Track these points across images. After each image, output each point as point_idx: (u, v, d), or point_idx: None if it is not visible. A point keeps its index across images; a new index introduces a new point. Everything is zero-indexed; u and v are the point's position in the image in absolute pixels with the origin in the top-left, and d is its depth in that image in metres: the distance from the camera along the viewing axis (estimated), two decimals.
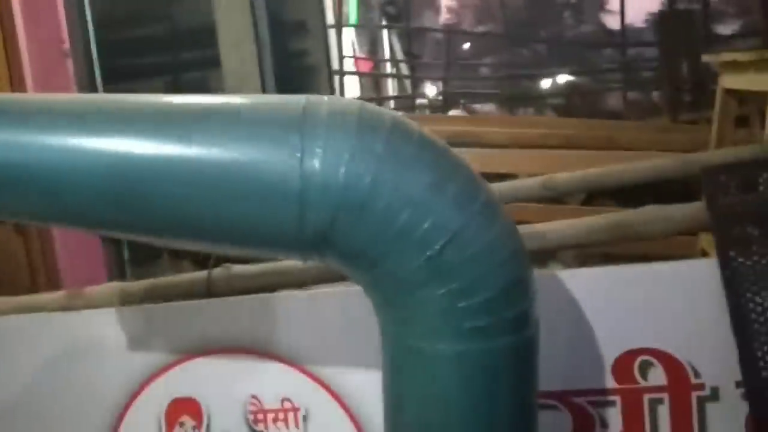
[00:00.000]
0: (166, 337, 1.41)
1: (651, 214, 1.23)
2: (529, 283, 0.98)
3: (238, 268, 1.42)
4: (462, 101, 8.38)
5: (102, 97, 1.05)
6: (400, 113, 0.99)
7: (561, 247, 1.29)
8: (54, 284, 2.17)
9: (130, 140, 0.90)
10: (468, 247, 0.91)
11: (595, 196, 3.14)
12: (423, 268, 0.91)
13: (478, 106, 8.99)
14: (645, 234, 1.23)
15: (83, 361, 1.43)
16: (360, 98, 7.05)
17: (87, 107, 0.95)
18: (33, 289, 2.11)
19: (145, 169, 0.89)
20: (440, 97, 7.88)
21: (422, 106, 8.18)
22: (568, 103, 8.44)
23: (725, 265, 1.22)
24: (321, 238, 0.91)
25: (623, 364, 1.28)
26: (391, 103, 8.51)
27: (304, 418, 1.38)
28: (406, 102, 8.30)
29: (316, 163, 0.87)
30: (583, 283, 1.28)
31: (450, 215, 0.90)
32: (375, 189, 0.88)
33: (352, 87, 6.86)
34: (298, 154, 0.87)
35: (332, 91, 5.84)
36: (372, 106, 0.94)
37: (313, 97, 0.93)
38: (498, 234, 0.93)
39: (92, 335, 1.43)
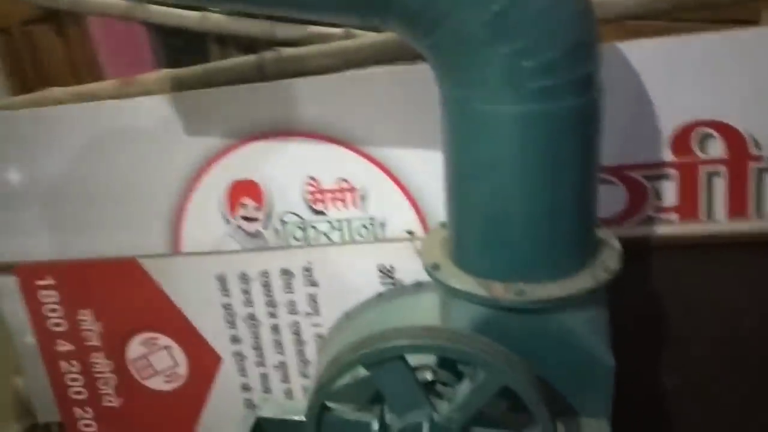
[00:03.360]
0: (221, 121, 1.42)
1: None
2: (594, 46, 0.95)
3: (289, 51, 1.39)
4: None
5: None
6: None
7: (622, 17, 1.23)
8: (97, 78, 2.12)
9: None
10: (535, 3, 0.88)
11: None
12: (488, 26, 0.88)
13: None
14: None
15: (140, 147, 1.46)
16: None
17: None
18: None
19: None
20: None
21: None
22: None
23: None
24: None
25: (682, 137, 1.27)
26: None
27: (362, 197, 1.42)
28: None
29: None
30: (643, 54, 1.23)
31: None
32: None
33: None
34: None
35: None
36: None
37: None
38: None
39: (147, 122, 1.45)
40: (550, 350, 1.03)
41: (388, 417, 0.98)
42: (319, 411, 0.99)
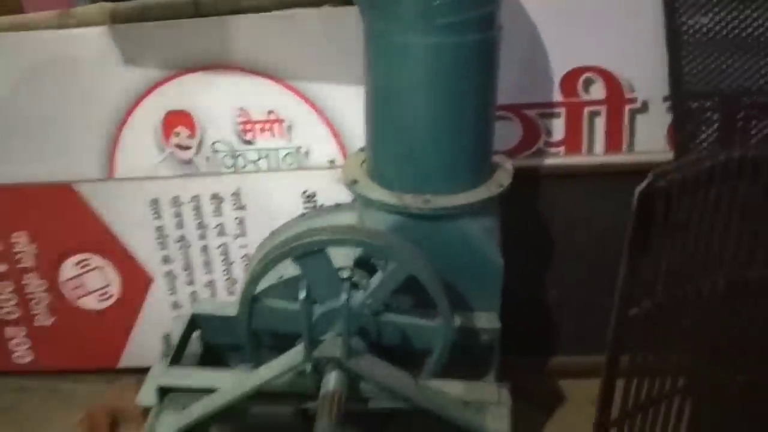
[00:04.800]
0: (158, 54, 1.52)
1: None
2: None
3: None
4: None
5: None
6: None
7: None
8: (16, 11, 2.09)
9: None
10: None
11: None
12: None
13: None
14: None
15: (77, 77, 1.54)
16: None
17: None
18: None
19: None
20: None
21: None
22: None
23: None
24: None
25: (569, 80, 1.47)
26: None
27: (288, 128, 1.56)
28: None
29: None
30: (537, 5, 1.41)
31: None
32: None
33: None
34: None
35: None
36: None
37: None
38: None
39: (85, 53, 1.53)
40: (451, 252, 1.21)
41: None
42: (250, 301, 1.13)
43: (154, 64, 1.54)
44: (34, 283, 1.73)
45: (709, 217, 0.84)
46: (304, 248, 1.09)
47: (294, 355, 1.03)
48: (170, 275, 1.69)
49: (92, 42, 1.52)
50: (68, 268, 1.71)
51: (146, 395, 1.12)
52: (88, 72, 1.54)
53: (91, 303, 1.74)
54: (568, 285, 1.60)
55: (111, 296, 1.73)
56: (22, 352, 1.80)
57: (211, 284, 1.69)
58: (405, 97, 1.15)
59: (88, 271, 1.71)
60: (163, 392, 1.11)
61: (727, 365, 0.94)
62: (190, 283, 1.70)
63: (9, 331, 1.79)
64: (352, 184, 1.25)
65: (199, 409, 1.06)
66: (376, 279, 1.13)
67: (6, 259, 1.71)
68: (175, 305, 1.72)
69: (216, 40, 1.50)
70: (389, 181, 1.22)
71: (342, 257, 1.18)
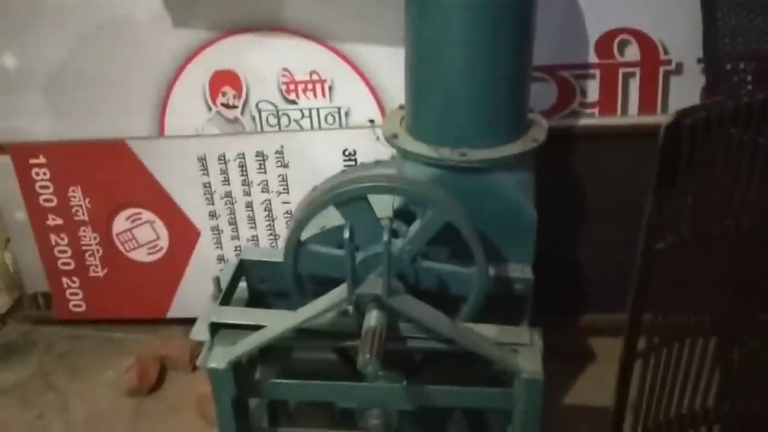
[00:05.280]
0: (207, 15, 1.59)
1: None
2: None
3: None
4: None
5: None
6: None
7: None
8: None
9: None
10: None
11: None
12: None
13: None
14: None
15: (131, 39, 1.62)
16: None
17: None
18: None
19: None
20: None
21: None
22: None
23: None
24: None
25: (605, 42, 1.50)
26: None
27: (330, 88, 1.62)
28: None
29: None
30: None
31: None
32: None
33: None
34: None
35: None
36: None
37: None
38: None
39: (138, 14, 1.60)
40: (486, 204, 1.26)
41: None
42: (296, 245, 1.20)
43: (203, 25, 1.60)
44: (88, 236, 1.82)
45: (733, 159, 0.88)
46: (347, 195, 1.15)
47: (337, 293, 1.10)
48: (216, 230, 1.77)
49: (144, 4, 1.60)
50: (120, 222, 1.80)
51: (199, 331, 1.20)
52: (141, 33, 1.62)
53: (141, 255, 1.83)
54: (601, 244, 1.64)
55: (160, 249, 1.82)
56: (76, 302, 1.91)
57: (254, 239, 1.77)
58: (443, 54, 1.19)
59: (138, 225, 1.80)
60: (214, 329, 1.18)
61: (750, 305, 0.98)
62: (235, 237, 1.78)
63: (65, 281, 1.89)
64: (392, 138, 1.30)
65: (248, 343, 1.13)
66: (415, 226, 1.19)
67: (62, 212, 1.80)
68: (221, 259, 1.80)
69: (262, 3, 1.57)
70: (427, 135, 1.27)
71: (382, 208, 1.24)
